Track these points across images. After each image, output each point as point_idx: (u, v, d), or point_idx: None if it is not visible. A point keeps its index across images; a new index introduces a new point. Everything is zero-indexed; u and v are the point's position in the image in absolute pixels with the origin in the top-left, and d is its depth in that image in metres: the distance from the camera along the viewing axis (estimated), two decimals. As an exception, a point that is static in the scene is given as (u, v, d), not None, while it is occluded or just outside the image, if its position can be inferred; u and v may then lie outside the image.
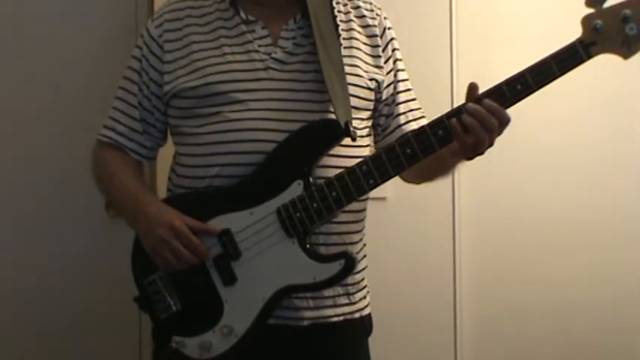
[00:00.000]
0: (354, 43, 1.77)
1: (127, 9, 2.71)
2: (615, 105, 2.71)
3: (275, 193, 1.61)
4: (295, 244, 1.60)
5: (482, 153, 1.59)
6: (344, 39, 1.75)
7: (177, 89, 1.70)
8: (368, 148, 1.77)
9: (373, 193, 1.74)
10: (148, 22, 1.81)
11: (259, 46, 1.70)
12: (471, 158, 1.63)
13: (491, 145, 1.58)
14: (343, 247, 1.66)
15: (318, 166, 1.63)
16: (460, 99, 1.62)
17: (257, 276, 1.61)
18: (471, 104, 1.55)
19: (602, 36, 1.51)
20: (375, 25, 1.80)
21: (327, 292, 1.68)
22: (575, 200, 2.71)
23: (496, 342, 2.71)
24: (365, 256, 1.80)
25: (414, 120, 1.81)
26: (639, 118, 2.73)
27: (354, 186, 1.59)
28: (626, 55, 1.53)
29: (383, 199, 2.63)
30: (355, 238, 1.74)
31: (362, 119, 1.74)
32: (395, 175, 1.61)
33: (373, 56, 1.79)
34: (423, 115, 1.83)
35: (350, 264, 1.59)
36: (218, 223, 1.63)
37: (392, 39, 1.83)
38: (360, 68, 1.74)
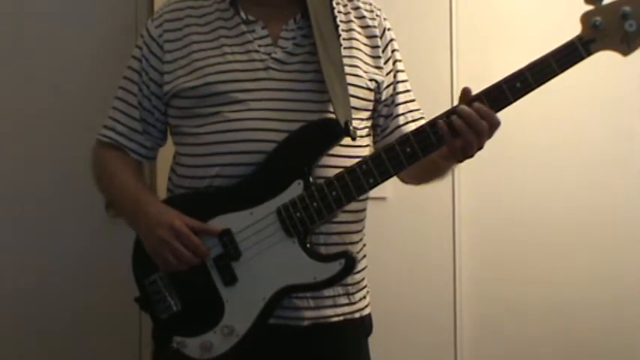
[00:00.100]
0: (354, 43, 1.77)
1: (127, 9, 2.71)
2: (615, 104, 2.71)
3: (275, 192, 1.61)
4: (295, 244, 1.60)
5: (471, 156, 1.59)
6: (344, 39, 1.75)
7: (177, 89, 1.70)
8: (368, 148, 1.77)
9: (373, 193, 1.74)
10: (148, 22, 1.81)
11: (259, 46, 1.70)
12: (461, 161, 1.63)
13: (480, 148, 1.58)
14: (343, 246, 1.66)
15: (318, 166, 1.63)
16: (460, 99, 1.62)
17: (257, 276, 1.61)
18: (461, 106, 1.55)
19: (601, 33, 1.52)
20: (375, 26, 1.81)
21: (328, 292, 1.68)
22: (575, 200, 2.71)
23: (496, 342, 2.71)
24: (365, 256, 1.80)
25: (413, 121, 1.81)
26: (639, 117, 2.73)
27: (353, 185, 1.59)
28: (626, 52, 1.53)
29: (383, 199, 2.63)
30: (355, 238, 1.74)
31: (362, 119, 1.75)
32: (395, 174, 1.61)
33: (373, 57, 1.79)
34: (422, 116, 1.83)
35: (350, 263, 1.59)
36: (218, 223, 1.63)
37: (392, 40, 1.83)
38: (360, 68, 1.75)
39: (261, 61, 1.69)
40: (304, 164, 1.61)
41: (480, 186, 2.72)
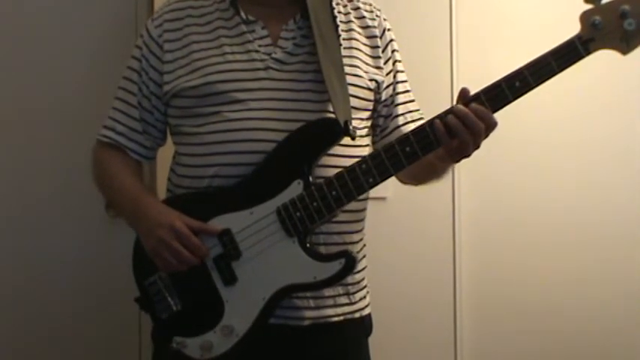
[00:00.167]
0: (354, 43, 1.77)
1: (127, 9, 2.71)
2: (615, 104, 2.71)
3: (275, 192, 1.62)
4: (295, 244, 1.60)
5: (468, 156, 1.59)
6: (344, 39, 1.75)
7: (177, 89, 1.70)
8: (367, 148, 1.78)
9: (373, 193, 1.74)
10: (148, 22, 1.81)
11: (259, 46, 1.70)
12: (457, 161, 1.63)
13: (477, 147, 1.58)
14: (343, 246, 1.66)
15: (317, 166, 1.63)
16: (460, 99, 1.62)
17: (257, 276, 1.61)
18: (457, 107, 1.56)
19: (600, 32, 1.52)
20: (374, 27, 1.81)
21: (328, 292, 1.68)
22: (575, 200, 2.71)
23: (496, 342, 2.70)
24: (365, 256, 1.80)
25: (413, 121, 1.81)
26: (639, 116, 2.73)
27: (353, 185, 1.59)
28: (625, 51, 1.53)
29: (383, 199, 2.63)
30: (355, 237, 1.74)
31: (361, 119, 1.75)
32: (395, 174, 1.61)
33: (373, 57, 1.79)
34: (422, 116, 1.83)
35: (350, 263, 1.59)
36: (218, 223, 1.63)
37: (391, 40, 1.83)
38: (360, 69, 1.75)
39: (261, 60, 1.69)
40: (304, 164, 1.61)
41: (480, 186, 2.72)
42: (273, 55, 1.69)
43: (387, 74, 1.81)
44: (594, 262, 2.70)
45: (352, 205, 1.66)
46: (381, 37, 1.81)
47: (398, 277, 2.66)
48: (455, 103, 1.59)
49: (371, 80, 1.76)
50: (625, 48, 1.52)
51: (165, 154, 1.86)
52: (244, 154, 1.64)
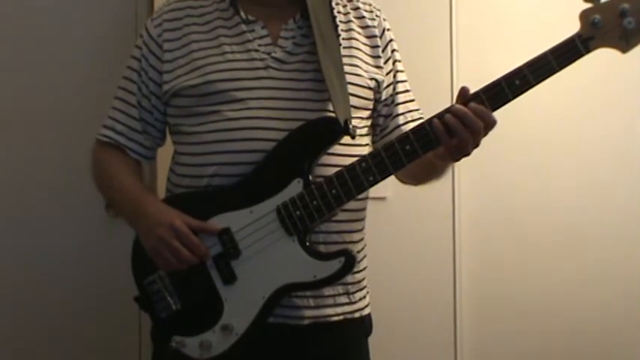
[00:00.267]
0: (354, 43, 1.77)
1: (127, 9, 2.71)
2: (615, 103, 2.71)
3: (275, 191, 1.62)
4: (295, 242, 1.60)
5: (468, 154, 1.59)
6: (343, 39, 1.76)
7: (176, 88, 1.70)
8: (367, 148, 1.78)
9: (373, 193, 1.74)
10: (148, 21, 1.82)
11: (259, 45, 1.71)
12: (457, 159, 1.63)
13: (476, 146, 1.58)
14: (343, 245, 1.66)
15: (317, 165, 1.63)
16: (460, 99, 1.62)
17: (257, 274, 1.61)
18: (455, 106, 1.56)
19: (600, 30, 1.52)
20: (374, 26, 1.81)
21: (328, 291, 1.68)
22: (576, 200, 2.71)
23: (496, 341, 2.70)
24: (365, 256, 1.80)
25: (413, 121, 1.81)
26: (639, 116, 2.73)
27: (353, 183, 1.59)
28: (625, 49, 1.53)
29: (383, 199, 2.63)
30: (355, 237, 1.74)
31: (361, 118, 1.75)
32: (394, 172, 1.61)
33: (373, 56, 1.79)
34: (422, 115, 1.83)
35: (350, 262, 1.59)
36: (218, 221, 1.63)
37: (391, 40, 1.84)
38: (360, 68, 1.75)
39: (261, 60, 1.69)
40: (304, 163, 1.61)
41: (480, 186, 2.72)
42: (273, 55, 1.69)
43: (387, 74, 1.81)
44: (594, 262, 2.70)
45: (352, 205, 1.66)
46: (380, 37, 1.81)
47: (398, 277, 2.66)
48: (454, 102, 1.59)
49: (371, 79, 1.76)
50: (624, 46, 1.53)
51: (166, 153, 1.86)
52: (244, 153, 1.64)
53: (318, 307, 1.68)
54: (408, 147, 1.58)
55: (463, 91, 1.57)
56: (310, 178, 1.61)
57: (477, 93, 1.56)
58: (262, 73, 1.68)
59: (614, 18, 1.51)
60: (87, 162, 1.85)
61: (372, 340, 1.83)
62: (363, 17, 1.81)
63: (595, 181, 2.71)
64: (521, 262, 2.71)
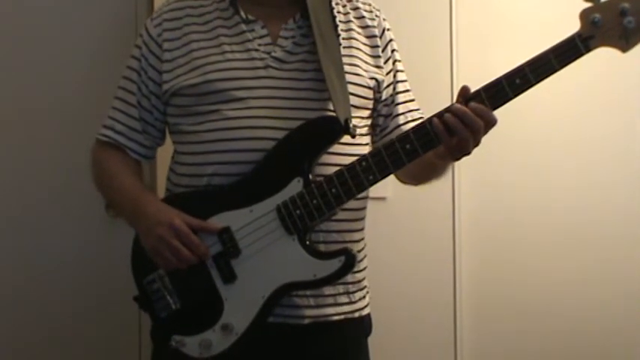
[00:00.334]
0: (354, 43, 1.77)
1: (127, 9, 2.71)
2: (615, 102, 2.71)
3: (275, 190, 1.62)
4: (295, 241, 1.60)
5: (468, 153, 1.60)
6: (343, 39, 1.76)
7: (176, 87, 1.71)
8: (367, 147, 1.78)
9: (373, 193, 1.74)
10: (147, 21, 1.82)
11: (259, 45, 1.71)
12: (458, 158, 1.63)
13: (477, 144, 1.58)
14: (342, 245, 1.66)
15: (317, 164, 1.63)
16: (460, 99, 1.62)
17: (257, 274, 1.61)
18: (455, 105, 1.56)
19: (600, 29, 1.53)
20: (374, 26, 1.81)
21: (328, 291, 1.68)
22: (576, 200, 2.71)
23: (496, 342, 2.70)
24: (366, 255, 1.80)
25: (413, 120, 1.81)
26: (639, 115, 2.73)
27: (353, 182, 1.59)
28: (625, 48, 1.54)
29: (383, 199, 2.63)
30: (355, 236, 1.74)
31: (362, 118, 1.75)
32: (395, 171, 1.61)
33: (373, 56, 1.80)
34: (422, 115, 1.83)
35: (350, 261, 1.59)
36: (218, 221, 1.63)
37: (391, 40, 1.84)
38: (360, 67, 1.75)
39: (261, 59, 1.69)
40: (304, 162, 1.62)
41: (480, 186, 2.72)
42: (273, 54, 1.69)
43: (387, 73, 1.81)
44: (594, 262, 2.70)
45: (352, 204, 1.66)
46: (380, 37, 1.81)
47: (398, 277, 2.66)
48: (455, 100, 1.59)
49: (371, 79, 1.76)
50: (625, 45, 1.53)
51: (165, 153, 1.86)
52: (243, 153, 1.64)
53: (318, 306, 1.68)
54: (408, 146, 1.58)
55: (464, 90, 1.58)
56: (310, 177, 1.61)
57: (477, 92, 1.56)
58: (262, 72, 1.68)
59: (614, 17, 1.52)
60: (87, 162, 1.86)
61: (372, 340, 1.83)
62: (363, 17, 1.81)
63: (595, 181, 2.70)
64: (521, 262, 2.71)
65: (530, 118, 2.64)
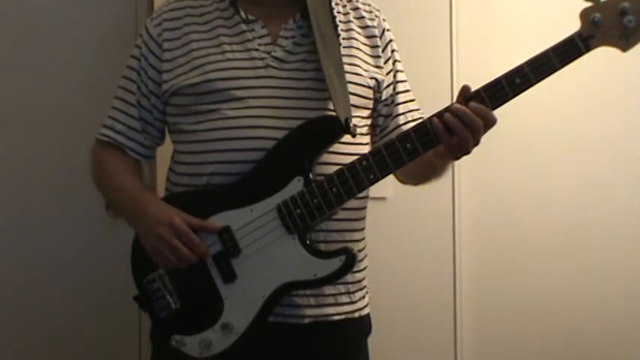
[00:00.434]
0: (354, 43, 1.78)
1: (127, 9, 2.71)
2: (615, 102, 2.71)
3: (275, 189, 1.62)
4: (296, 241, 1.60)
5: (468, 152, 1.60)
6: (343, 39, 1.76)
7: (176, 87, 1.71)
8: (367, 147, 1.78)
9: (373, 193, 1.74)
10: (147, 21, 1.82)
11: (259, 45, 1.71)
12: (457, 158, 1.63)
13: (476, 144, 1.58)
14: (343, 244, 1.66)
15: (318, 163, 1.63)
16: (460, 99, 1.62)
17: (257, 273, 1.61)
18: (454, 105, 1.56)
19: (600, 29, 1.53)
20: (374, 26, 1.82)
21: (329, 290, 1.68)
22: (576, 199, 2.70)
23: (496, 342, 2.70)
24: (366, 255, 1.80)
25: (413, 120, 1.81)
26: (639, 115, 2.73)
27: (354, 181, 1.59)
28: (625, 48, 1.54)
29: (383, 199, 2.63)
30: (356, 236, 1.74)
31: (362, 117, 1.75)
32: (395, 170, 1.61)
33: (373, 56, 1.80)
34: (422, 115, 1.83)
35: (350, 260, 1.59)
36: (218, 220, 1.63)
37: (391, 40, 1.84)
38: (360, 67, 1.75)
39: (261, 59, 1.69)
40: (304, 161, 1.62)
41: (480, 186, 2.72)
42: (273, 54, 1.70)
43: (387, 74, 1.82)
44: (594, 262, 2.70)
45: (352, 203, 1.66)
46: (380, 37, 1.81)
47: (398, 277, 2.66)
48: (455, 100, 1.59)
49: (371, 79, 1.77)
50: (625, 45, 1.54)
51: (165, 153, 1.86)
52: (243, 152, 1.64)
53: (318, 305, 1.68)
54: (408, 145, 1.58)
55: (464, 89, 1.58)
56: (311, 176, 1.61)
57: (477, 91, 1.57)
58: (262, 72, 1.68)
59: (615, 17, 1.52)
60: (87, 162, 1.86)
61: (371, 340, 1.83)
62: (363, 17, 1.82)
63: (595, 181, 2.70)
64: (521, 262, 2.70)
65: (530, 118, 2.64)
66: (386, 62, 1.81)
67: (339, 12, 1.79)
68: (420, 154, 1.59)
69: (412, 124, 1.77)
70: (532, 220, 2.71)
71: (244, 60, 1.69)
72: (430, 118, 1.58)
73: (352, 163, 1.60)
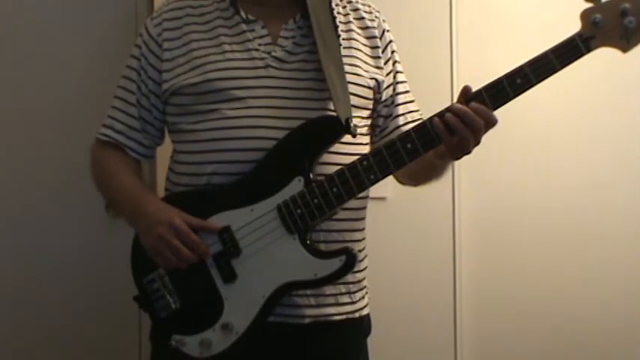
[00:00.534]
0: (354, 43, 1.78)
1: (127, 9, 2.71)
2: (616, 102, 2.71)
3: (275, 189, 1.62)
4: (296, 241, 1.60)
5: (469, 152, 1.60)
6: (343, 39, 1.76)
7: (176, 87, 1.71)
8: (367, 147, 1.78)
9: (373, 193, 1.74)
10: (147, 21, 1.82)
11: (259, 45, 1.71)
12: (458, 158, 1.63)
13: (477, 144, 1.58)
14: (343, 244, 1.66)
15: (318, 163, 1.63)
16: (460, 99, 1.62)
17: (257, 273, 1.61)
18: (455, 105, 1.57)
19: (601, 30, 1.53)
20: (374, 27, 1.82)
21: (329, 290, 1.68)
22: (576, 199, 2.70)
23: (496, 342, 2.70)
24: (366, 255, 1.80)
25: (413, 121, 1.81)
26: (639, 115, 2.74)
27: (354, 181, 1.59)
28: (625, 49, 1.54)
29: (383, 199, 2.63)
30: (356, 236, 1.74)
31: (362, 117, 1.75)
32: (396, 170, 1.61)
33: (373, 57, 1.80)
34: (422, 116, 1.83)
35: (351, 260, 1.59)
36: (218, 220, 1.63)
37: (391, 41, 1.84)
38: (360, 68, 1.75)
39: (261, 59, 1.69)
40: (305, 161, 1.62)
41: (480, 186, 2.72)
42: (273, 54, 1.70)
43: (387, 74, 1.82)
44: (594, 262, 2.70)
45: (352, 203, 1.66)
46: (380, 38, 1.82)
47: (398, 277, 2.66)
48: (456, 100, 1.59)
49: (371, 79, 1.77)
50: (625, 46, 1.54)
51: (165, 152, 1.85)
52: (243, 152, 1.64)
53: (319, 305, 1.68)
54: (409, 145, 1.58)
55: (465, 89, 1.58)
56: (311, 176, 1.61)
57: (478, 91, 1.57)
58: (262, 72, 1.68)
59: (615, 17, 1.52)
60: (87, 162, 1.85)
61: (371, 340, 1.83)
62: (363, 18, 1.82)
63: (595, 181, 2.70)
64: (521, 262, 2.71)
65: (530, 118, 2.64)
66: (386, 63, 1.82)
67: (339, 12, 1.79)
68: (420, 154, 1.59)
69: (411, 125, 1.77)
70: (532, 220, 2.71)
71: (244, 60, 1.69)
72: (431, 118, 1.58)
73: (353, 163, 1.60)
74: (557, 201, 2.71)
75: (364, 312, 1.79)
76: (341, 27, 1.77)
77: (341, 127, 1.62)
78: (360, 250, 1.75)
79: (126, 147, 1.79)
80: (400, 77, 1.85)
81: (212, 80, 1.67)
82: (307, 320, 1.67)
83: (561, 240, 2.70)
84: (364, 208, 1.78)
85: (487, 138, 1.59)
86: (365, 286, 1.79)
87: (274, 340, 1.65)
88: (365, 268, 1.79)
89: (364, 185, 1.60)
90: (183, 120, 1.72)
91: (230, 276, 1.62)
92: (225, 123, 1.65)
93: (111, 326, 2.64)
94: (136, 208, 1.70)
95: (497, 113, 1.57)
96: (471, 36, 2.73)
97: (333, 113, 1.64)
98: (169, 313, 1.66)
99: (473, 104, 1.56)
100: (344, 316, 1.72)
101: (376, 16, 1.84)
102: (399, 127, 1.81)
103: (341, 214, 1.66)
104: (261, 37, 1.72)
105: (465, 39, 2.73)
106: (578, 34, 1.54)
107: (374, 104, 1.80)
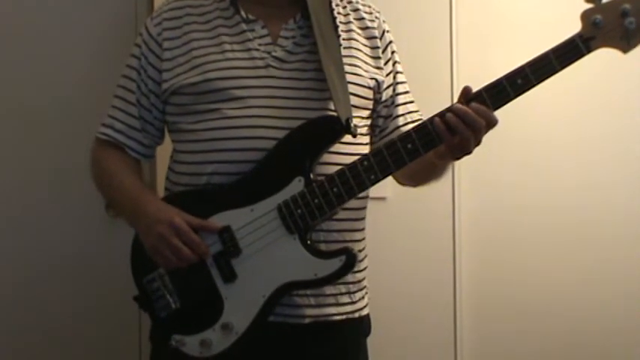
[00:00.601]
0: (354, 43, 1.78)
1: (127, 9, 2.71)
2: (616, 102, 2.71)
3: (276, 189, 1.62)
4: (296, 241, 1.60)
5: (469, 152, 1.60)
6: (343, 39, 1.76)
7: (176, 86, 1.71)
8: (368, 147, 1.78)
9: (373, 193, 1.74)
10: (147, 20, 1.82)
11: (259, 44, 1.71)
12: (458, 158, 1.63)
13: (478, 144, 1.59)
14: (344, 244, 1.66)
15: (318, 163, 1.63)
16: (460, 99, 1.62)
17: (257, 273, 1.61)
18: (456, 105, 1.57)
19: (601, 30, 1.54)
20: (374, 28, 1.82)
21: (329, 290, 1.68)
22: (576, 199, 2.70)
23: (496, 342, 2.70)
24: (366, 255, 1.80)
25: (413, 122, 1.81)
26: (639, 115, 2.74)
27: (355, 181, 1.59)
28: (626, 49, 1.55)
29: (383, 199, 2.63)
30: (356, 236, 1.75)
31: (362, 118, 1.75)
32: (396, 170, 1.61)
33: (373, 57, 1.80)
34: (421, 117, 1.83)
35: (351, 260, 1.59)
36: (218, 220, 1.63)
37: (391, 42, 1.84)
38: (361, 68, 1.75)
39: (262, 59, 1.69)
40: (305, 161, 1.62)
41: (480, 186, 2.72)
42: (273, 54, 1.70)
43: (387, 75, 1.82)
44: (594, 262, 2.70)
45: (352, 203, 1.66)
46: (380, 39, 1.82)
47: (398, 277, 2.66)
48: (457, 101, 1.59)
49: (371, 79, 1.77)
50: (625, 46, 1.54)
51: (165, 152, 1.86)
52: (243, 152, 1.64)
53: (319, 305, 1.68)
54: (409, 145, 1.58)
55: (466, 90, 1.58)
56: (311, 176, 1.61)
57: (479, 92, 1.57)
58: (262, 72, 1.68)
59: (616, 18, 1.53)
60: (87, 162, 1.85)
61: (371, 340, 1.83)
62: (363, 18, 1.82)
63: (595, 181, 2.70)
64: (521, 262, 2.70)
65: (530, 118, 2.64)
66: (386, 63, 1.82)
67: (339, 13, 1.79)
68: (420, 154, 1.59)
69: (412, 126, 1.77)
70: (532, 220, 2.71)
71: (244, 60, 1.69)
72: (432, 118, 1.58)
73: (353, 163, 1.60)
74: (557, 201, 2.71)
75: (364, 312, 1.79)
76: (341, 27, 1.77)
77: (341, 127, 1.62)
78: (360, 250, 1.75)
79: (126, 146, 1.79)
80: (400, 78, 1.85)
81: (212, 80, 1.67)
82: (307, 320, 1.67)
83: (561, 240, 2.70)
84: (364, 208, 1.78)
85: (487, 138, 1.60)
86: (365, 286, 1.79)
87: (274, 340, 1.65)
88: (365, 268, 1.79)
89: (365, 185, 1.60)
90: (183, 120, 1.72)
91: (230, 276, 1.62)
92: (225, 123, 1.65)
93: (111, 326, 2.64)
94: (136, 207, 1.70)
95: (498, 113, 1.58)
96: (471, 36, 2.73)
97: (334, 113, 1.64)
98: (169, 312, 1.66)
99: (473, 104, 1.56)
100: (344, 316, 1.72)
101: (376, 17, 1.84)
102: (398, 127, 1.81)
103: (341, 214, 1.66)
104: (261, 36, 1.72)
105: (465, 39, 2.73)
106: (579, 35, 1.54)
107: (374, 104, 1.80)
